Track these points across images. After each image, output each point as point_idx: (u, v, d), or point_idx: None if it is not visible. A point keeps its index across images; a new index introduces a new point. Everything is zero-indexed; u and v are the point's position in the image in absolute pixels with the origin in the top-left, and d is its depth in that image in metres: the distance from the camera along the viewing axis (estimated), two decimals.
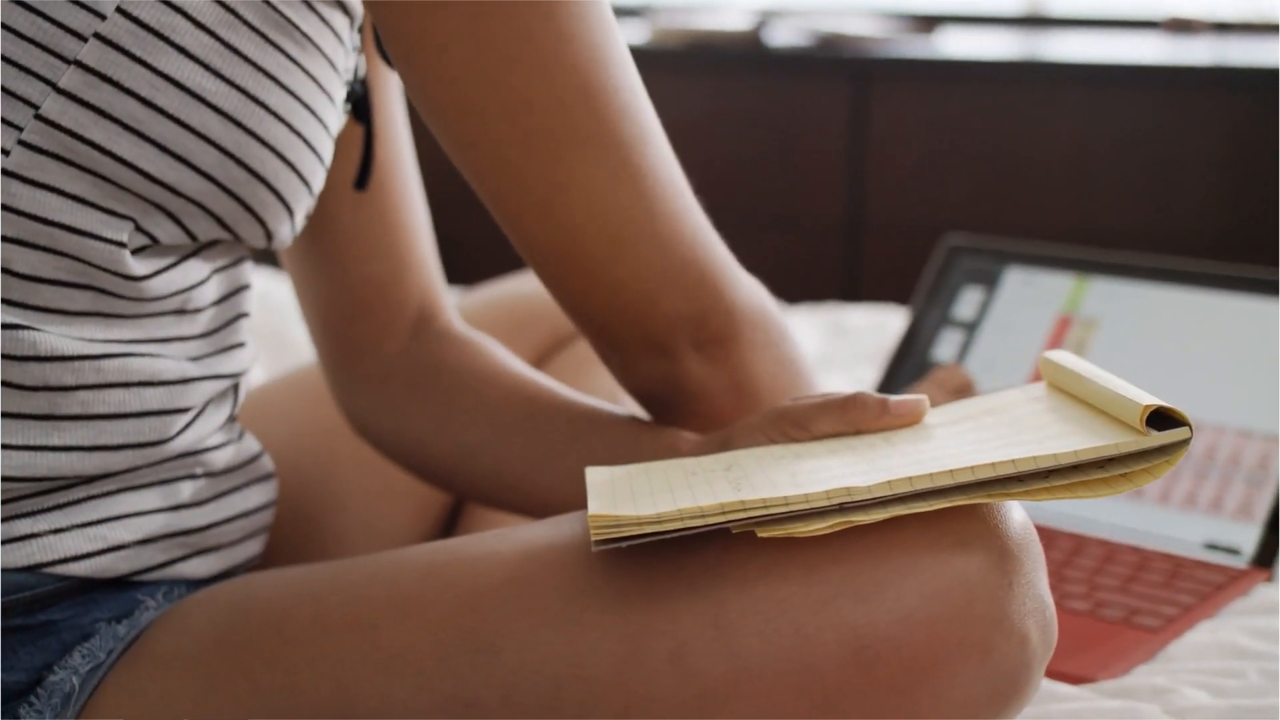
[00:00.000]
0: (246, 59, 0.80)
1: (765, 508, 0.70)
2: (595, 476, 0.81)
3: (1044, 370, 0.82)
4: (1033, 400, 0.80)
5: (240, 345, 0.90)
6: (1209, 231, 2.53)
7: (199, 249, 0.85)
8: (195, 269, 0.85)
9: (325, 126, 0.86)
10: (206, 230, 0.83)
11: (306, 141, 0.84)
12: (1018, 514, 0.74)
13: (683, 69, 2.82)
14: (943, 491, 0.70)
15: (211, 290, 0.87)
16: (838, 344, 1.84)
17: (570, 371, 1.18)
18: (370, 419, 1.02)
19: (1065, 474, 0.70)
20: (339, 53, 0.87)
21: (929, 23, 2.94)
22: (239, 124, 0.81)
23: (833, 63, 2.72)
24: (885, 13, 3.06)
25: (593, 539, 0.71)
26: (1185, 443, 0.69)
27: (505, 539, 0.79)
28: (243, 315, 0.90)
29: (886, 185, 2.70)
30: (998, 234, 2.28)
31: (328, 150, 0.88)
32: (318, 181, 0.87)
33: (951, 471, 0.70)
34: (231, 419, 0.90)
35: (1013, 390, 0.83)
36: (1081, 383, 0.76)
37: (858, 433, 0.81)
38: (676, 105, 2.83)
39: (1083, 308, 1.38)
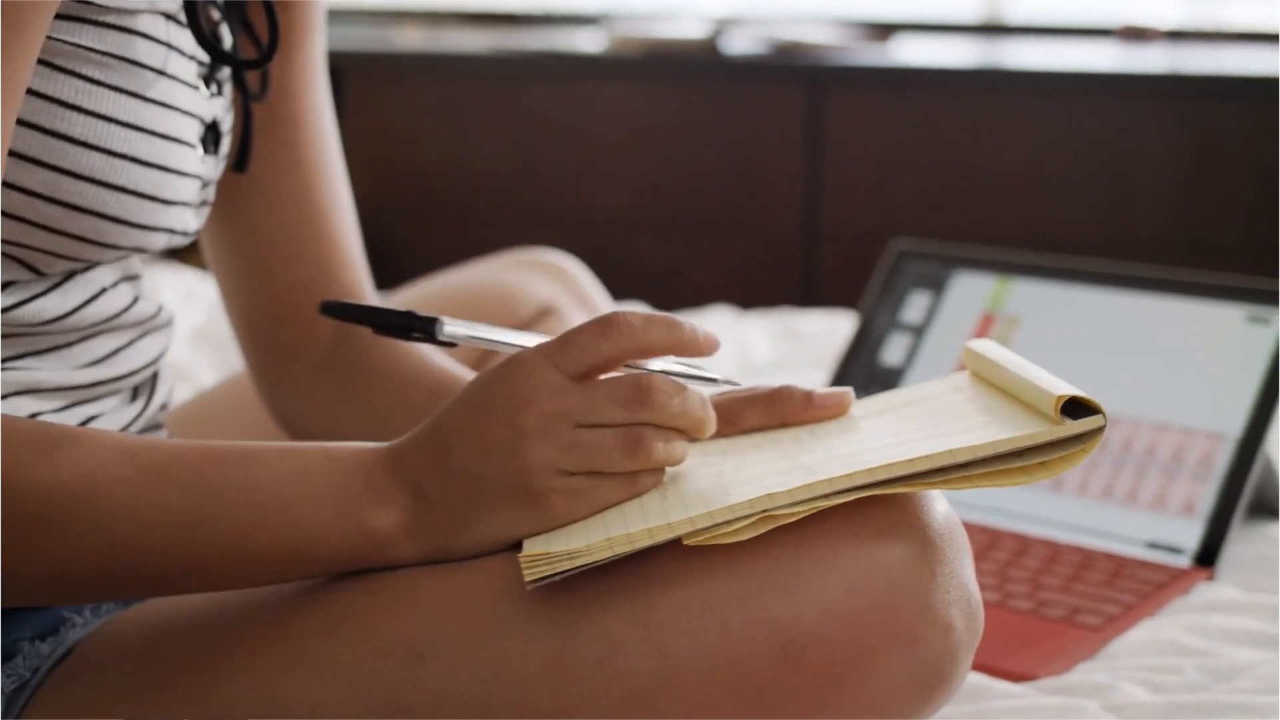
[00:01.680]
0: (34, 92, 0.76)
1: (692, 526, 0.70)
2: None
3: (967, 360, 0.82)
4: (955, 390, 0.79)
5: (141, 339, 0.87)
6: (1166, 238, 2.54)
7: (86, 269, 0.82)
8: (78, 289, 0.82)
9: (164, 135, 0.82)
10: (50, 264, 0.80)
11: (138, 159, 0.80)
12: (940, 504, 0.73)
13: (640, 77, 2.82)
14: (862, 486, 0.70)
15: (105, 302, 0.85)
16: (790, 348, 1.84)
17: None
18: (300, 421, 1.01)
19: (983, 464, 0.70)
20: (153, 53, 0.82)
21: (885, 30, 2.95)
22: (39, 162, 0.77)
23: (789, 70, 2.72)
24: (841, 21, 3.07)
25: (526, 578, 0.70)
26: (1100, 430, 0.69)
27: None
28: (136, 321, 0.88)
29: (843, 192, 2.69)
30: (955, 241, 2.28)
31: (181, 156, 0.83)
32: (181, 188, 0.83)
33: (870, 470, 0.70)
34: (154, 426, 0.88)
35: (937, 381, 0.83)
36: (1002, 372, 0.76)
37: (784, 425, 0.81)
38: (634, 113, 2.84)
39: (1006, 306, 1.38)
